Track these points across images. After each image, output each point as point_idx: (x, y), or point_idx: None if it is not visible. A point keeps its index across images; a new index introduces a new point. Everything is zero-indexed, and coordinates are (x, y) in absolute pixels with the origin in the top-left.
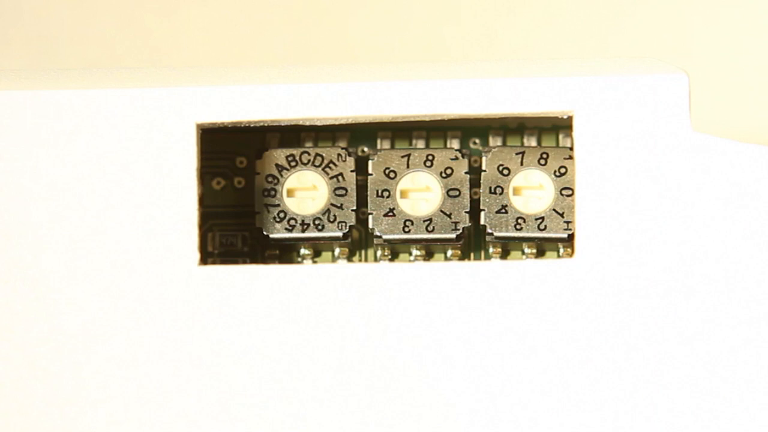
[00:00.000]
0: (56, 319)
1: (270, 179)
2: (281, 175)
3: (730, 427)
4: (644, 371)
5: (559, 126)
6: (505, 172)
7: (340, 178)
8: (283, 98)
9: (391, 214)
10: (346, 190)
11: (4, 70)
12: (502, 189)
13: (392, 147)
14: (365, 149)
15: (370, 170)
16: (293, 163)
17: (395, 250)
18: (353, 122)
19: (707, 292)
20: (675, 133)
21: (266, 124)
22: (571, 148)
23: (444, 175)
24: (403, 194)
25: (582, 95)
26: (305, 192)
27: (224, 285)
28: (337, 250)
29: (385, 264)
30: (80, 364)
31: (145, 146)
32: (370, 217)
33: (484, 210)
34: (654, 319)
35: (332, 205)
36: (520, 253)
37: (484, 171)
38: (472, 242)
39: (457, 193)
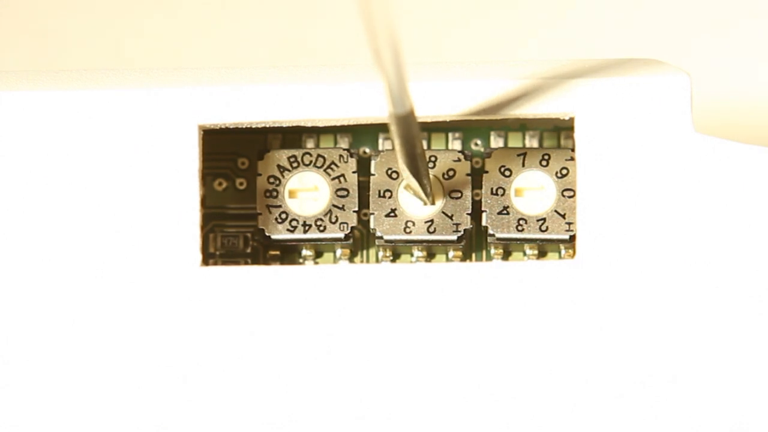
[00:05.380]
0: (57, 319)
1: (272, 180)
2: (283, 176)
3: (730, 427)
4: (645, 371)
5: (561, 127)
6: (507, 173)
7: (341, 179)
8: (284, 99)
9: (392, 214)
10: (348, 191)
11: (6, 71)
12: (504, 190)
13: (394, 148)
14: (367, 150)
15: (372, 170)
16: (295, 164)
17: (397, 251)
18: (355, 123)
19: (709, 292)
20: (676, 134)
21: (268, 125)
22: (573, 149)
23: (446, 176)
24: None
25: (583, 96)
26: (307, 193)
27: (226, 286)
28: (338, 251)
29: (386, 265)
30: (82, 364)
31: (147, 147)
32: (372, 217)
33: (485, 211)
34: (655, 319)
35: (334, 206)
36: (521, 254)
37: (486, 172)
38: (474, 243)
39: (459, 194)
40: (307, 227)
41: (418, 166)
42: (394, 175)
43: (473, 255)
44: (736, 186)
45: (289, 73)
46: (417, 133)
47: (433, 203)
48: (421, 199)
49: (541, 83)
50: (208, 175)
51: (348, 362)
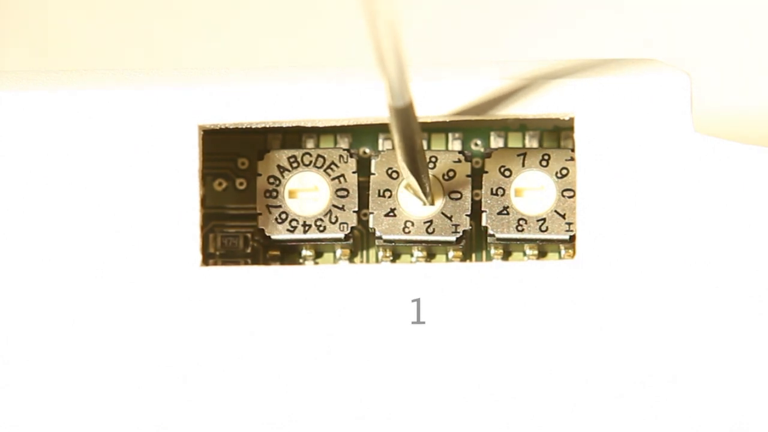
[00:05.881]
0: (57, 319)
1: (272, 180)
2: (283, 177)
3: (730, 427)
4: (645, 371)
5: (561, 127)
6: (507, 173)
7: (341, 179)
8: (284, 99)
9: (391, 214)
10: (348, 192)
11: (6, 71)
12: (504, 190)
13: (394, 148)
14: (366, 150)
15: (372, 170)
16: (295, 165)
17: (397, 251)
18: (355, 123)
19: (709, 292)
20: (676, 134)
21: (268, 126)
22: (573, 150)
23: (446, 177)
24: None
25: (583, 96)
26: (307, 193)
27: (226, 286)
28: (338, 251)
29: (386, 265)
30: (81, 364)
31: (147, 147)
32: (371, 216)
33: (485, 211)
34: (655, 319)
35: (334, 206)
36: (521, 254)
37: (486, 172)
38: (474, 243)
39: (459, 195)
40: (307, 227)
41: (417, 162)
42: (394, 175)
43: (473, 255)
44: (736, 186)
45: (289, 73)
46: (416, 128)
47: (432, 203)
48: (420, 198)
49: (541, 83)
50: (208, 175)
51: (348, 362)
